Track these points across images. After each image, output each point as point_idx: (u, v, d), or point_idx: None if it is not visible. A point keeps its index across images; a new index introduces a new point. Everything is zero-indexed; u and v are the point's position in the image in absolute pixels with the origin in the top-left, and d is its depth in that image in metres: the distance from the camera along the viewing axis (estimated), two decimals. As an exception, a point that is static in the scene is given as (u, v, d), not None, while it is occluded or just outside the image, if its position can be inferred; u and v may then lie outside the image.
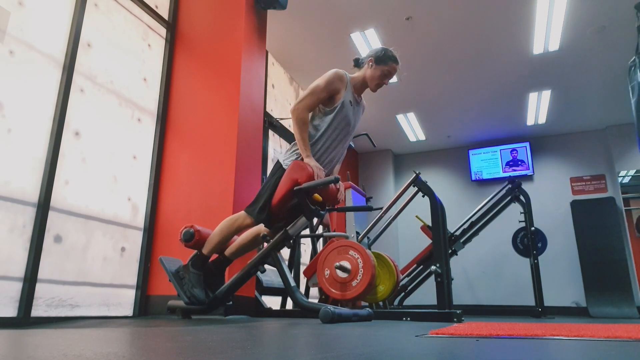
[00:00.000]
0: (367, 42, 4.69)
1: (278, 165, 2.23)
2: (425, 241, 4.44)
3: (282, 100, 5.22)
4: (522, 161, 7.20)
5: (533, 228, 5.04)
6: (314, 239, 3.46)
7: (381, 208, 4.00)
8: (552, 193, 6.91)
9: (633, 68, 2.87)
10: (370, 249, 3.91)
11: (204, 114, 3.27)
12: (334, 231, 3.80)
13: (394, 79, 5.38)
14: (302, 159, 2.15)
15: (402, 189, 3.90)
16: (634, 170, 6.72)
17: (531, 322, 2.97)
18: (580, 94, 5.82)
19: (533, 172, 7.11)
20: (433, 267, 3.25)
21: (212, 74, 3.34)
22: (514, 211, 5.27)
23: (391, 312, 2.95)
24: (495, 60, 5.07)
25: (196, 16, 3.55)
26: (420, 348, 1.01)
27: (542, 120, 6.59)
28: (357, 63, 2.42)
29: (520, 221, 5.16)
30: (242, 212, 2.22)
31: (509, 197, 5.11)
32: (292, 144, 2.30)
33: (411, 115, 6.48)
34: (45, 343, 1.05)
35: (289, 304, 3.37)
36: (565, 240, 6.60)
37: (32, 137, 2.33)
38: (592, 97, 5.90)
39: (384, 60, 2.33)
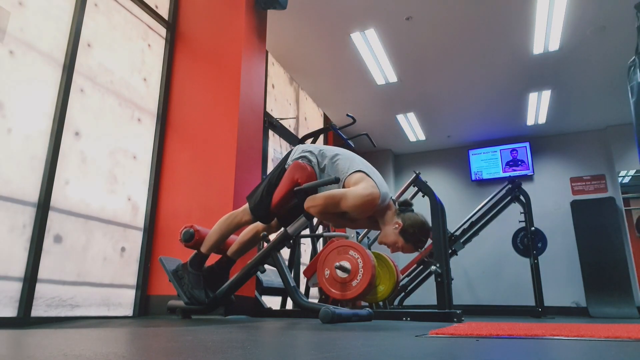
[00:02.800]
0: (367, 42, 4.69)
1: (281, 165, 2.19)
2: (425, 241, 4.43)
3: (282, 100, 5.22)
4: (522, 161, 7.20)
5: (533, 228, 5.04)
6: (314, 239, 3.45)
7: (381, 208, 3.99)
8: (552, 193, 6.91)
9: (632, 68, 2.87)
10: (370, 249, 3.91)
11: (204, 114, 3.27)
12: (334, 231, 3.80)
13: (393, 79, 5.39)
14: (304, 163, 2.11)
15: (402, 189, 3.90)
16: (634, 170, 6.72)
17: (531, 322, 2.97)
18: (580, 94, 5.82)
19: (533, 172, 7.11)
20: (433, 267, 3.25)
21: (212, 74, 3.34)
22: (514, 211, 5.28)
23: (391, 312, 2.95)
24: (495, 60, 5.07)
25: (196, 16, 3.55)
26: (420, 348, 1.01)
27: (542, 120, 6.59)
28: (400, 207, 2.05)
29: (520, 221, 5.16)
30: (241, 209, 2.21)
31: (509, 197, 5.12)
32: (296, 147, 2.26)
33: (411, 115, 6.48)
34: (45, 343, 1.05)
35: (289, 304, 3.37)
36: (565, 240, 6.60)
37: (32, 137, 2.33)
38: (592, 97, 5.90)
39: (409, 239, 1.99)
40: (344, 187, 2.01)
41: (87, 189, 2.66)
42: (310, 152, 2.15)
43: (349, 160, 2.07)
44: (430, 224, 3.47)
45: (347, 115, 3.64)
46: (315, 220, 3.53)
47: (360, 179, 1.97)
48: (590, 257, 6.34)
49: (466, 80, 5.52)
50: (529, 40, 4.67)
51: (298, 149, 2.20)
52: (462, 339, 1.25)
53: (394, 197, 2.14)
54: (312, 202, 2.00)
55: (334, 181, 1.99)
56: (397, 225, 2.00)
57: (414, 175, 3.75)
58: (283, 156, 2.26)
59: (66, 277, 2.46)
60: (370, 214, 2.00)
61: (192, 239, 2.26)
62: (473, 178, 7.44)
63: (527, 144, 7.18)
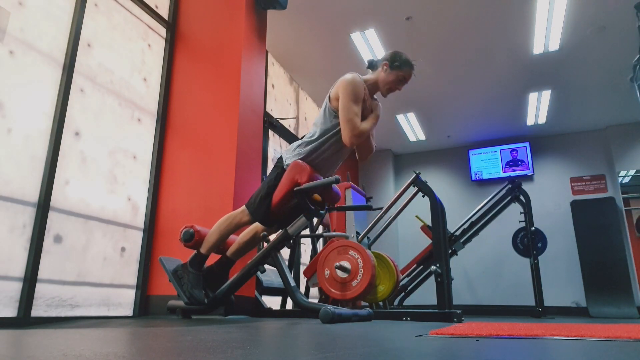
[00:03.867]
0: (367, 42, 4.69)
1: (279, 165, 2.21)
2: (425, 241, 4.44)
3: (282, 100, 5.22)
4: (522, 161, 7.20)
5: (533, 228, 5.04)
6: (314, 239, 3.46)
7: (381, 208, 4.00)
8: (552, 193, 6.91)
9: (638, 67, 2.87)
10: (370, 249, 3.91)
11: (204, 114, 3.27)
12: (334, 231, 3.80)
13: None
14: (305, 164, 2.12)
15: (402, 189, 3.90)
16: (634, 170, 6.72)
17: (531, 322, 2.97)
18: (580, 94, 5.82)
19: (533, 172, 7.11)
20: (433, 267, 3.25)
21: (212, 74, 3.34)
22: (514, 211, 5.28)
23: (391, 312, 2.95)
24: (495, 60, 5.07)
25: (196, 16, 3.55)
26: (420, 348, 1.01)
27: (542, 120, 6.59)
28: (371, 65, 2.36)
29: (520, 221, 5.16)
30: (240, 209, 2.21)
31: (509, 197, 5.12)
32: (294, 144, 2.28)
33: (411, 115, 6.48)
34: (45, 343, 1.05)
35: (289, 304, 3.37)
36: (565, 240, 6.60)
37: (32, 137, 2.33)
38: (592, 97, 5.90)
39: (399, 66, 2.26)
40: (331, 106, 2.20)
41: (87, 189, 2.65)
42: (299, 145, 2.23)
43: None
44: (430, 222, 3.47)
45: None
46: (315, 220, 3.53)
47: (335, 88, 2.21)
48: (590, 257, 6.34)
49: (466, 80, 5.52)
50: (529, 40, 4.67)
51: (290, 149, 2.23)
52: (462, 339, 1.25)
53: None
54: (348, 130, 2.12)
55: (334, 181, 2.00)
56: (384, 67, 2.27)
57: (414, 175, 3.75)
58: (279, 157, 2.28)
59: (66, 277, 2.46)
60: (362, 91, 2.19)
61: (192, 239, 2.26)
62: (473, 178, 7.44)
63: (527, 144, 7.18)
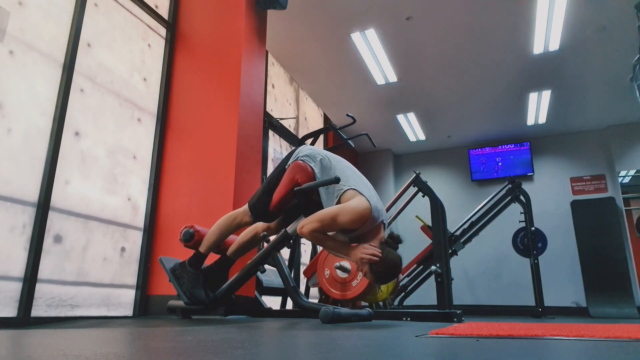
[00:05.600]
0: (367, 42, 4.69)
1: (282, 165, 2.19)
2: (425, 241, 4.44)
3: (282, 100, 5.22)
4: (522, 161, 7.20)
5: (533, 228, 5.04)
6: (314, 239, 3.45)
7: (381, 208, 3.99)
8: (552, 193, 6.91)
9: (638, 67, 2.87)
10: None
11: (204, 114, 3.27)
12: (334, 231, 3.79)
13: (393, 79, 5.39)
14: (305, 164, 2.10)
15: (402, 189, 3.90)
16: (634, 170, 6.72)
17: (531, 322, 2.97)
18: (580, 94, 5.82)
19: (533, 172, 7.11)
20: (433, 267, 3.25)
21: (212, 74, 3.34)
22: (514, 211, 5.27)
23: (391, 312, 2.95)
24: (495, 60, 5.07)
25: (196, 16, 3.55)
26: (420, 348, 1.01)
27: (542, 120, 6.59)
28: (388, 239, 2.01)
29: (520, 221, 5.16)
30: (241, 209, 2.21)
31: (509, 197, 5.11)
32: (299, 149, 2.25)
33: (411, 115, 6.48)
34: (45, 343, 1.05)
35: (289, 304, 3.37)
36: (565, 240, 6.60)
37: (32, 137, 2.33)
38: (592, 97, 5.90)
39: (374, 271, 1.90)
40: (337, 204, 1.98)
41: (87, 189, 2.65)
42: (310, 157, 2.13)
43: (343, 176, 2.03)
44: (430, 222, 3.47)
45: (347, 115, 3.64)
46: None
47: (353, 196, 1.96)
48: (590, 257, 6.34)
49: (466, 80, 5.52)
50: (529, 40, 4.67)
51: (302, 151, 2.18)
52: (462, 339, 1.25)
53: (386, 221, 2.08)
54: (306, 222, 1.94)
55: (334, 181, 1.99)
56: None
57: (414, 175, 3.75)
58: (284, 156, 2.26)
59: (66, 277, 2.46)
60: (363, 228, 1.95)
61: (192, 239, 2.25)
62: (473, 178, 7.44)
63: (527, 144, 7.19)
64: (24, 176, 2.27)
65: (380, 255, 1.87)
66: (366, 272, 1.92)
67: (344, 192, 1.99)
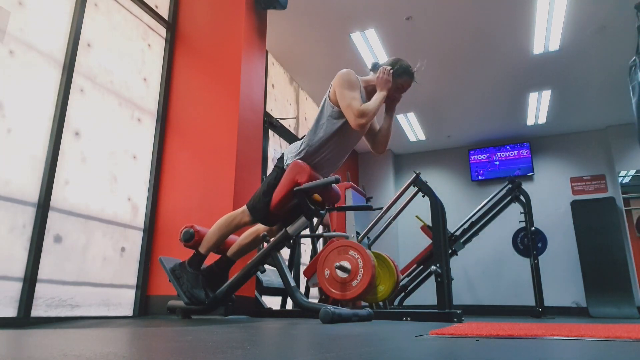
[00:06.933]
0: (367, 42, 4.69)
1: (280, 165, 2.20)
2: (425, 241, 4.43)
3: (282, 100, 5.22)
4: (522, 161, 7.20)
5: (533, 228, 5.04)
6: (314, 239, 3.46)
7: (381, 208, 4.00)
8: (552, 193, 6.91)
9: (633, 68, 2.87)
10: (370, 249, 3.91)
11: (204, 114, 3.27)
12: (334, 231, 3.80)
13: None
14: (304, 163, 2.12)
15: (402, 189, 3.90)
16: (634, 170, 6.72)
17: (531, 322, 2.97)
18: (580, 94, 5.82)
19: (533, 172, 7.11)
20: (433, 267, 3.25)
21: (212, 74, 3.34)
22: (514, 211, 5.27)
23: (391, 312, 2.95)
24: (495, 60, 5.07)
25: (196, 16, 3.55)
26: (420, 348, 1.01)
27: (542, 120, 6.59)
28: (374, 67, 2.34)
29: (520, 221, 5.16)
30: (241, 209, 2.21)
31: (509, 197, 5.11)
32: (295, 144, 2.27)
33: (411, 115, 6.48)
34: (45, 343, 1.05)
35: (289, 304, 3.37)
36: (565, 240, 6.60)
37: (32, 137, 2.33)
38: (592, 97, 5.90)
39: (399, 74, 2.25)
40: (331, 102, 2.18)
41: (87, 189, 2.65)
42: (300, 145, 2.21)
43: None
44: (430, 222, 3.47)
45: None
46: (315, 220, 3.53)
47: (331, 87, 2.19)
48: (590, 257, 6.34)
49: (466, 80, 5.52)
50: (529, 40, 4.67)
51: (290, 151, 2.22)
52: (462, 339, 1.25)
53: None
54: (351, 117, 2.08)
55: (334, 181, 1.99)
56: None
57: (414, 175, 3.75)
58: (279, 157, 2.27)
59: (66, 277, 2.46)
60: (358, 84, 2.18)
61: (192, 239, 2.25)
62: (473, 178, 7.45)
63: (527, 144, 7.19)
64: (24, 176, 2.27)
65: (391, 70, 2.23)
66: (396, 83, 2.27)
67: (326, 95, 2.23)
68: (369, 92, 2.30)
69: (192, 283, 2.19)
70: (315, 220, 3.53)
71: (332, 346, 1.03)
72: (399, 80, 2.26)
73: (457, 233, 5.04)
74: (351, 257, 2.53)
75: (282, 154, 2.26)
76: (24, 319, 2.18)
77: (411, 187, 3.77)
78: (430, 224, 3.50)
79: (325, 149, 2.17)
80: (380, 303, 3.46)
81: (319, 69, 5.28)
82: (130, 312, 2.91)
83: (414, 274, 4.72)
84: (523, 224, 5.14)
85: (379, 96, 2.19)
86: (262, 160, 3.64)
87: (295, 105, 5.58)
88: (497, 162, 7.35)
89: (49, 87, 2.46)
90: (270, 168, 4.53)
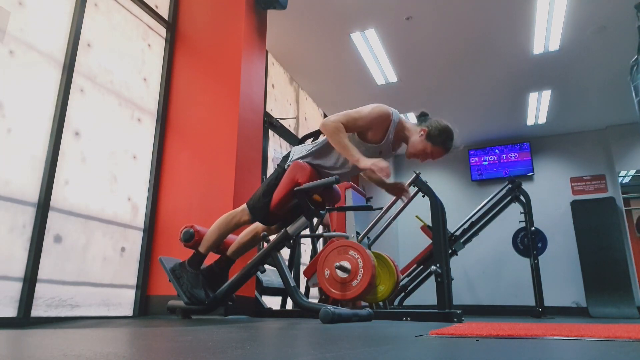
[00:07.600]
0: (367, 42, 4.69)
1: (281, 165, 2.20)
2: (425, 241, 4.43)
3: (282, 100, 5.22)
4: (522, 161, 7.20)
5: (533, 228, 5.04)
6: (314, 239, 3.45)
7: (381, 208, 4.00)
8: (552, 193, 6.91)
9: (635, 67, 2.87)
10: (370, 249, 3.90)
11: (204, 114, 3.27)
12: (334, 231, 3.80)
13: (393, 79, 5.38)
14: (305, 163, 2.11)
15: (402, 189, 3.88)
16: (634, 170, 6.72)
17: (531, 322, 2.97)
18: (580, 94, 5.82)
19: (533, 172, 7.11)
20: (433, 267, 3.25)
21: (212, 74, 3.34)
22: (514, 211, 5.27)
23: (391, 312, 2.95)
24: (495, 60, 5.07)
25: (196, 16, 3.55)
26: (420, 348, 1.01)
27: (542, 120, 6.59)
28: (420, 119, 2.17)
29: (520, 221, 5.16)
30: (240, 208, 2.21)
31: (509, 197, 5.11)
32: (300, 147, 2.26)
33: (411, 116, 6.47)
34: (45, 343, 1.05)
35: (289, 304, 3.37)
36: (565, 240, 6.60)
37: (32, 137, 2.33)
38: (592, 97, 5.90)
39: (436, 142, 2.06)
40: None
41: (87, 189, 2.65)
42: (304, 155, 2.16)
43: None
44: (430, 222, 3.47)
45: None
46: (315, 220, 3.53)
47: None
48: (590, 257, 6.34)
49: (466, 80, 5.52)
50: (529, 40, 4.67)
51: (295, 152, 2.21)
52: (462, 339, 1.25)
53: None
54: (331, 116, 1.99)
55: (334, 181, 1.99)
56: (422, 132, 2.08)
57: (414, 175, 3.75)
58: (282, 156, 2.26)
59: (66, 277, 2.46)
60: (385, 127, 2.02)
61: (192, 239, 2.25)
62: (473, 178, 7.45)
63: (527, 144, 7.19)
64: (24, 176, 2.27)
65: (389, 174, 1.90)
66: (430, 149, 2.04)
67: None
68: (397, 137, 2.12)
69: (192, 283, 2.19)
70: (315, 220, 3.53)
71: (332, 346, 1.03)
72: (432, 147, 2.06)
73: (457, 233, 5.05)
74: (351, 257, 2.53)
75: (287, 153, 2.25)
76: (24, 319, 2.18)
77: (411, 187, 3.77)
78: (430, 224, 3.50)
79: (328, 159, 2.15)
80: (380, 303, 3.46)
81: (319, 69, 5.28)
82: (130, 312, 2.91)
83: (414, 274, 4.72)
84: (523, 224, 5.14)
85: (357, 158, 1.93)
86: (262, 160, 3.64)
87: (295, 105, 5.58)
88: (497, 162, 7.36)
89: (49, 87, 2.46)
90: (270, 168, 4.53)
